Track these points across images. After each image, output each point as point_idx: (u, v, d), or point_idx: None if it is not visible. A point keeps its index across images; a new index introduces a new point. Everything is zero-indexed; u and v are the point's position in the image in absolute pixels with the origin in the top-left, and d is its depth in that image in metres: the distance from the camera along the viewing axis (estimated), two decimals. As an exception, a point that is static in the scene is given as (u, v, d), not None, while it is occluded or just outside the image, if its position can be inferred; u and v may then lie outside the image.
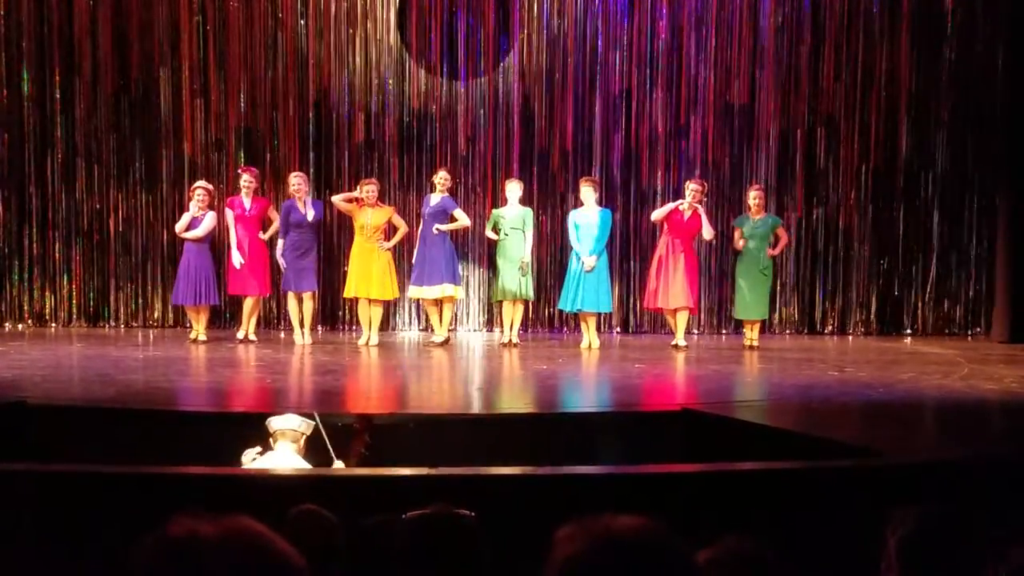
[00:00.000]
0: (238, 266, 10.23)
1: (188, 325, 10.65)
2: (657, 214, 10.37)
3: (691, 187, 10.17)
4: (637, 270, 11.84)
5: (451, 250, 10.35)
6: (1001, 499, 4.12)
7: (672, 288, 10.01)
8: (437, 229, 10.11)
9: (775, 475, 4.60)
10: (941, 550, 2.42)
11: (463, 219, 10.43)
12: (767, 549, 2.37)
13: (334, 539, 3.07)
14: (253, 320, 10.43)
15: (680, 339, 10.09)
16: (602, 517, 1.50)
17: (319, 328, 11.55)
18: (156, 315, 11.95)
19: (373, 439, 5.67)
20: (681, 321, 10.14)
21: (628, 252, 11.87)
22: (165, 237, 11.70)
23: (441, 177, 10.28)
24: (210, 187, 10.61)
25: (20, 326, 11.75)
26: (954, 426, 6.61)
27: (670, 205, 10.28)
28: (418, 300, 10.75)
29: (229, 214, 10.32)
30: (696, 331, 11.37)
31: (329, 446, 5.61)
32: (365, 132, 11.87)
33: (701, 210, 10.12)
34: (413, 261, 10.33)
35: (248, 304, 10.42)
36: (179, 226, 10.36)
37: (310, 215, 10.23)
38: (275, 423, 5.40)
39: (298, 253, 10.22)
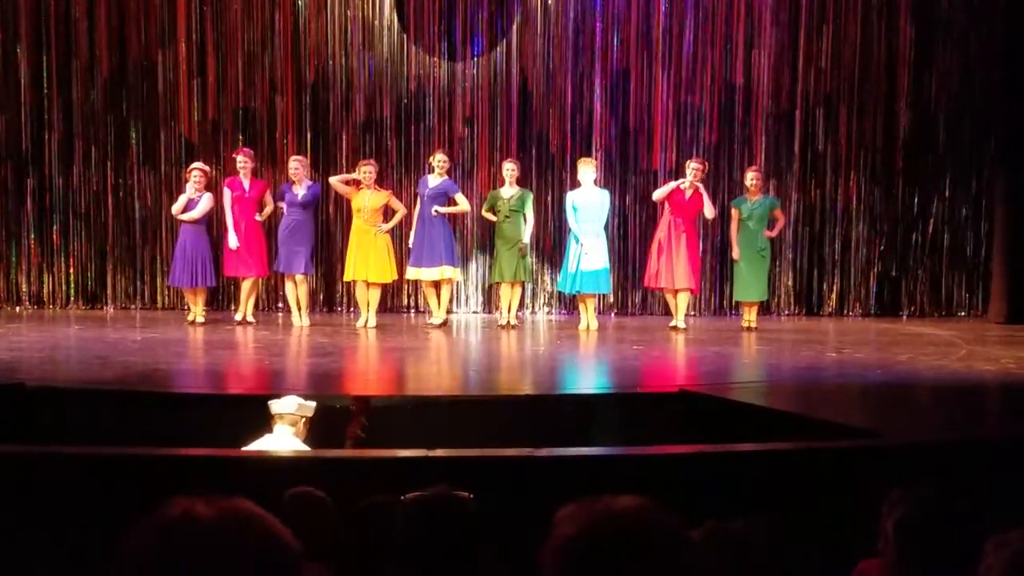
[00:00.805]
0: (234, 247, 10.22)
1: (186, 307, 10.65)
2: (658, 194, 10.34)
3: (692, 166, 10.14)
4: (636, 251, 11.82)
5: (450, 232, 10.36)
6: (998, 480, 4.12)
7: (675, 269, 10.00)
8: (436, 211, 10.09)
9: (772, 456, 4.61)
10: (938, 531, 2.42)
11: (464, 204, 10.43)
12: (759, 528, 2.38)
13: (329, 521, 3.08)
14: (251, 302, 10.43)
15: (680, 321, 10.08)
16: (602, 498, 1.50)
17: (318, 310, 11.55)
18: (154, 297, 11.94)
19: (370, 421, 5.66)
20: (682, 303, 10.14)
21: (626, 233, 11.84)
22: (163, 219, 11.66)
23: (439, 159, 10.26)
24: (206, 168, 10.60)
25: (18, 308, 11.73)
26: (952, 407, 6.62)
27: (671, 184, 10.24)
28: (416, 281, 10.74)
29: (227, 194, 10.30)
30: (694, 312, 11.33)
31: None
32: (363, 113, 11.83)
33: (702, 188, 10.10)
34: (411, 242, 10.30)
35: (246, 286, 10.42)
36: (176, 207, 10.34)
37: (300, 194, 10.22)
38: (275, 407, 5.37)
39: (290, 234, 10.22)
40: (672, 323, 10.16)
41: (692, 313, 10.93)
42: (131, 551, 1.35)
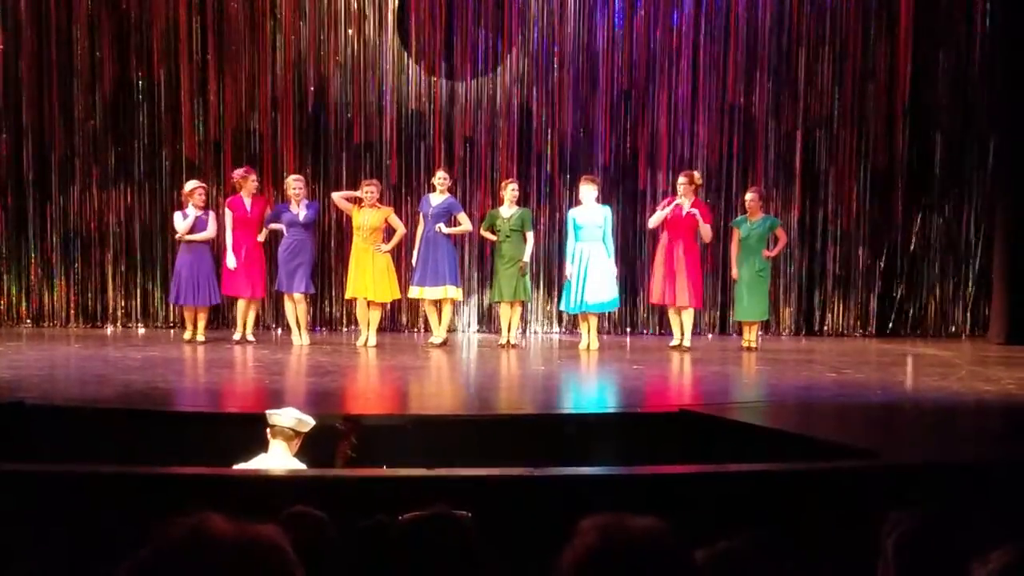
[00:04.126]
0: (232, 267, 10.20)
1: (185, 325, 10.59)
2: (653, 221, 10.34)
3: (680, 181, 10.17)
4: (636, 272, 11.84)
5: (454, 251, 10.39)
6: (998, 502, 4.11)
7: (677, 286, 9.99)
8: (440, 229, 10.10)
9: (772, 476, 4.61)
10: (937, 552, 2.42)
11: (466, 223, 10.45)
12: (758, 549, 2.37)
13: (326, 541, 3.06)
14: (251, 321, 10.41)
15: (685, 339, 10.07)
16: (621, 515, 1.52)
17: (319, 329, 11.55)
18: (154, 315, 11.94)
19: (366, 440, 5.60)
20: (687, 321, 10.13)
21: (627, 253, 11.84)
22: (166, 237, 11.65)
23: (440, 177, 10.29)
24: (205, 185, 10.63)
25: (19, 326, 11.73)
26: (951, 428, 6.61)
27: (661, 213, 10.21)
28: (417, 300, 10.72)
29: (228, 215, 10.28)
30: (695, 331, 11.32)
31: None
32: (363, 133, 11.86)
33: (698, 216, 10.02)
34: (414, 261, 10.30)
35: (241, 306, 10.40)
36: (182, 228, 10.22)
37: (302, 215, 10.22)
38: (272, 418, 5.26)
39: (290, 254, 10.21)
40: (673, 342, 10.16)
41: (695, 332, 10.91)
42: (145, 556, 1.37)
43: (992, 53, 11.49)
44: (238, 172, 10.48)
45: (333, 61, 11.79)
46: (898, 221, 11.88)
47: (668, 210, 10.12)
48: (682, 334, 10.14)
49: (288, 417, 5.23)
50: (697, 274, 10.18)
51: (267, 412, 5.31)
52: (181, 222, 10.25)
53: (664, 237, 10.18)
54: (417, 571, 2.42)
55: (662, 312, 11.23)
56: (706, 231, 10.13)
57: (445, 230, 10.16)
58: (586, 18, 11.81)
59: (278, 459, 5.13)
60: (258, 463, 5.11)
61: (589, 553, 1.49)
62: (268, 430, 5.23)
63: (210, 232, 10.27)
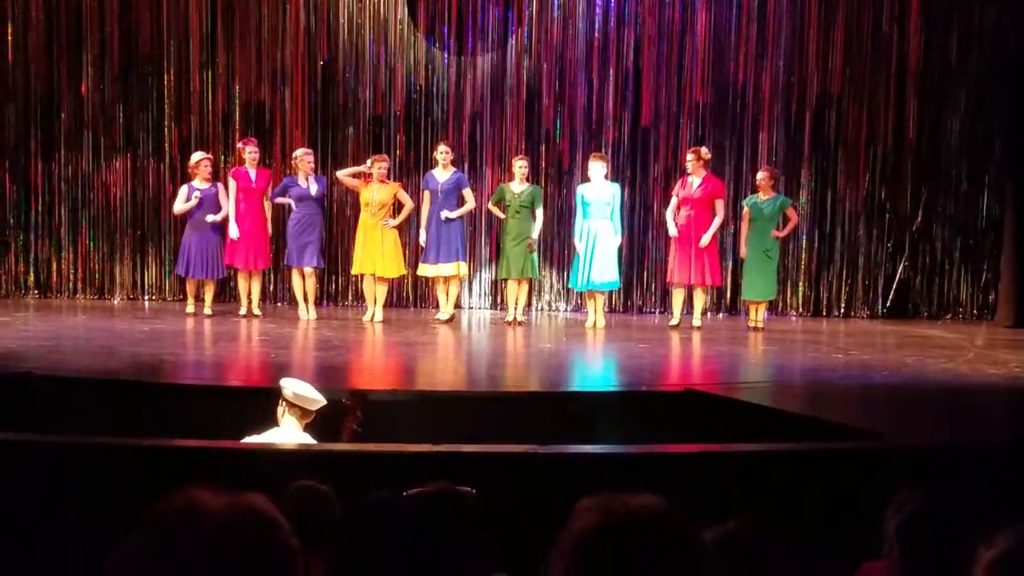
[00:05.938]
0: (235, 237, 10.14)
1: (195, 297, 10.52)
2: (670, 213, 10.28)
3: (688, 158, 10.19)
4: (644, 250, 11.82)
5: (463, 227, 10.38)
6: (1003, 483, 4.11)
7: (694, 265, 9.98)
8: (447, 217, 10.04)
9: (777, 457, 4.61)
10: (941, 533, 2.42)
11: (471, 201, 10.37)
12: (767, 530, 2.37)
13: (331, 514, 3.08)
14: (256, 295, 10.37)
15: (695, 319, 10.06)
16: (622, 494, 1.52)
17: (325, 304, 11.55)
18: (161, 287, 11.96)
19: (373, 416, 5.61)
20: (698, 301, 10.13)
21: (635, 231, 11.81)
22: (173, 210, 11.62)
23: (442, 151, 10.24)
24: (211, 156, 10.59)
25: (26, 297, 11.76)
26: (958, 410, 6.60)
27: (675, 200, 10.20)
28: (427, 277, 10.71)
29: (232, 185, 10.21)
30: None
31: None
32: (372, 108, 11.83)
33: (707, 238, 10.02)
34: (424, 239, 10.21)
35: (242, 279, 10.35)
36: (184, 207, 10.15)
37: (313, 189, 10.20)
38: (288, 388, 5.22)
39: (300, 228, 10.18)
40: (672, 322, 10.14)
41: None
42: (138, 536, 1.37)
43: (1004, 31, 11.38)
44: (241, 144, 10.48)
45: (341, 36, 11.76)
46: (907, 202, 11.81)
47: (673, 204, 10.14)
48: (686, 313, 10.17)
49: (300, 394, 5.18)
50: (714, 251, 10.17)
51: (281, 384, 5.26)
52: (183, 201, 10.21)
53: (680, 216, 10.13)
54: (421, 546, 2.42)
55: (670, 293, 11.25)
56: (719, 219, 10.11)
57: (453, 215, 10.10)
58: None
59: (289, 433, 5.13)
60: (270, 437, 5.10)
61: (588, 532, 1.49)
62: (282, 403, 5.21)
63: (224, 209, 10.20)
